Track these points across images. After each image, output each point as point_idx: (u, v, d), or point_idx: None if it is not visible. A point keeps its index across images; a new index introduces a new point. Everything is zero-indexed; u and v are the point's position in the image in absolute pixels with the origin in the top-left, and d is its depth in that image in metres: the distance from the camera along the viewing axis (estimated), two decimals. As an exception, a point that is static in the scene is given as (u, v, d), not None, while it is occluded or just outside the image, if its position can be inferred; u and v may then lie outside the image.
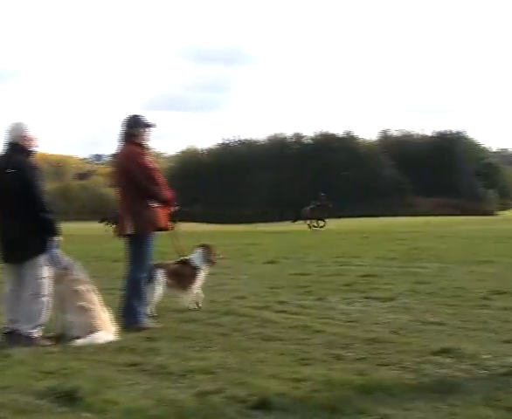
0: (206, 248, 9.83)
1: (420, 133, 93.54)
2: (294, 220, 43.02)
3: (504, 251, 17.43)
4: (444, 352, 6.46)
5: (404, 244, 21.07)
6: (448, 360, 6.22)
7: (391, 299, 9.83)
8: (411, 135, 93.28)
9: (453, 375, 5.78)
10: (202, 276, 9.56)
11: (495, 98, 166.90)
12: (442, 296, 10.12)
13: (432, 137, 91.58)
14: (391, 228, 36.12)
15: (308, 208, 39.82)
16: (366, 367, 6.08)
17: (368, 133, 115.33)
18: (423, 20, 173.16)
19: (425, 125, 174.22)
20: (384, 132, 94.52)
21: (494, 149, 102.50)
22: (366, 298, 10.04)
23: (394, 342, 7.02)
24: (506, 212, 77.91)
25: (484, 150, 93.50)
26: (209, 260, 9.71)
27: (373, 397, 5.15)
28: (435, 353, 6.44)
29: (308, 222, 39.06)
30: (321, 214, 39.12)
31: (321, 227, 37.71)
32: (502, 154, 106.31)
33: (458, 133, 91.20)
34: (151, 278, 8.76)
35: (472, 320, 8.18)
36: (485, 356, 6.31)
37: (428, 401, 5.07)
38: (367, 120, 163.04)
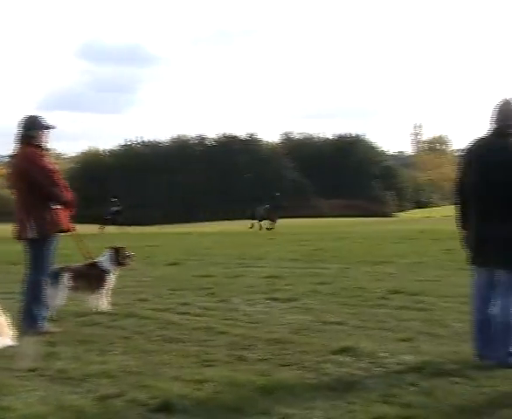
0: (116, 250, 9.68)
1: (321, 135, 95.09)
2: (255, 222, 41.76)
3: (402, 252, 17.92)
4: (343, 351, 6.61)
5: (307, 246, 21.32)
6: (348, 359, 6.37)
7: (293, 300, 9.96)
8: (313, 138, 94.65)
9: (351, 374, 5.93)
10: (110, 278, 9.42)
11: (391, 103, 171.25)
12: (343, 296, 10.32)
13: (332, 140, 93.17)
14: (294, 229, 36.51)
15: (262, 208, 39.36)
16: (268, 367, 6.16)
17: (270, 136, 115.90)
18: (321, 28, 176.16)
19: (324, 129, 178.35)
20: (286, 134, 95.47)
21: (391, 152, 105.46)
22: (268, 299, 10.13)
23: (295, 342, 7.13)
24: (402, 213, 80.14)
25: (382, 153, 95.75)
26: (118, 262, 9.58)
27: (275, 397, 5.23)
28: (335, 353, 6.59)
29: (253, 222, 38.56)
30: (274, 214, 38.61)
31: (269, 229, 36.61)
32: (399, 157, 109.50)
33: (357, 136, 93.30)
34: (54, 282, 8.58)
35: (370, 320, 8.39)
36: (382, 354, 6.50)
37: (328, 400, 5.19)
38: (268, 123, 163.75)
